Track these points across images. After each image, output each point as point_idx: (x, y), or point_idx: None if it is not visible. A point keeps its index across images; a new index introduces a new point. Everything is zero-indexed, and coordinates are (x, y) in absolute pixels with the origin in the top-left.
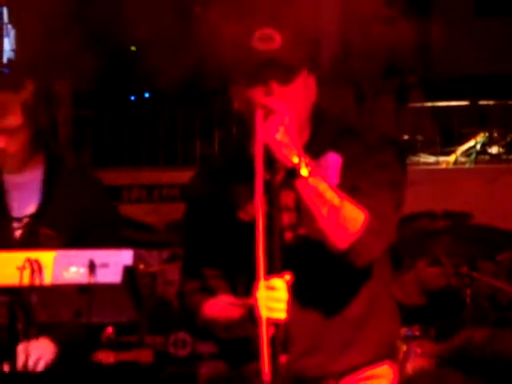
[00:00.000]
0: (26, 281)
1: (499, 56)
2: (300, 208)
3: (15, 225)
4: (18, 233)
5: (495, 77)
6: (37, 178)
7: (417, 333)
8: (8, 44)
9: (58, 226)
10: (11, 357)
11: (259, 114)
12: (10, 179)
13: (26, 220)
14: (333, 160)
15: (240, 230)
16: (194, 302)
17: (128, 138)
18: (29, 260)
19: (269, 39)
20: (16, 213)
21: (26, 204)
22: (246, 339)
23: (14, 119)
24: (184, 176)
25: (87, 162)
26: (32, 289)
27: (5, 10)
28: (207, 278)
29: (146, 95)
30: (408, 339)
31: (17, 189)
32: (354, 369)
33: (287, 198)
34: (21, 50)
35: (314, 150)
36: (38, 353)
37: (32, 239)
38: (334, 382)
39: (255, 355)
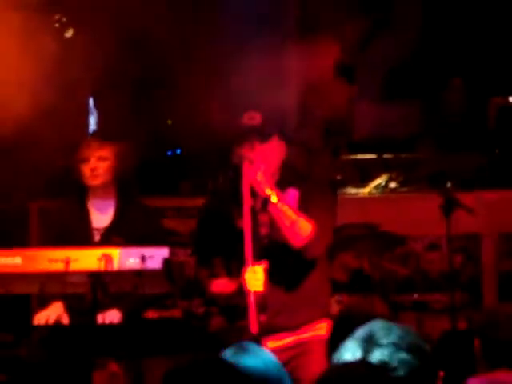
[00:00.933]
0: (102, 267)
1: (398, 124)
2: (271, 224)
3: (95, 232)
4: (96, 238)
5: (394, 139)
6: (111, 204)
7: (345, 299)
8: (92, 121)
9: (124, 235)
10: (92, 316)
11: (246, 164)
12: (94, 202)
13: (102, 230)
14: (292, 194)
15: (233, 237)
16: (206, 283)
17: (168, 178)
18: (104, 254)
19: (253, 118)
20: (95, 224)
21: (102, 219)
22: (238, 305)
23: (106, 152)
24: (200, 202)
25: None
26: (106, 272)
27: (90, 99)
28: (213, 266)
29: (178, 151)
30: (339, 303)
31: (98, 209)
32: (305, 323)
33: (264, 218)
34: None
35: (280, 187)
36: (110, 318)
37: (106, 243)
38: (292, 333)
39: (244, 315)
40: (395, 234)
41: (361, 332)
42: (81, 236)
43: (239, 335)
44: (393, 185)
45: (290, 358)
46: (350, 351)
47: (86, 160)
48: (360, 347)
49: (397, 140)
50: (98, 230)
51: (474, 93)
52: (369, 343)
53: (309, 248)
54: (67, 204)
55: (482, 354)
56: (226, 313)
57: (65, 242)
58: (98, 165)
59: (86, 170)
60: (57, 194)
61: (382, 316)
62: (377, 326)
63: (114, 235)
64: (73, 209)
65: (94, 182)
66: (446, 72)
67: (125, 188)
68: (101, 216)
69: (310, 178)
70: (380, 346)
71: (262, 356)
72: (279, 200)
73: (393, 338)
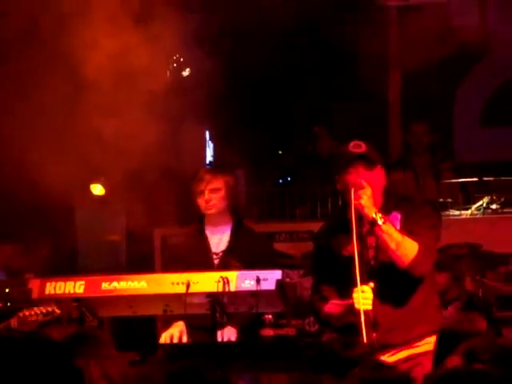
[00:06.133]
0: (220, 289)
1: (498, 149)
2: (378, 246)
3: (214, 256)
4: (216, 261)
5: (493, 163)
6: (227, 229)
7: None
8: (209, 153)
9: (240, 258)
10: (212, 333)
11: (352, 189)
12: (210, 229)
13: (220, 254)
14: (395, 216)
15: (343, 261)
16: (318, 306)
17: (279, 204)
18: (222, 277)
19: (358, 146)
20: (214, 249)
21: (220, 244)
22: (349, 324)
23: (218, 184)
24: (311, 226)
25: (256, 216)
26: (224, 293)
27: (207, 132)
28: (323, 291)
29: (288, 178)
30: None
31: (215, 235)
32: (417, 339)
33: (371, 241)
34: (216, 157)
35: (384, 211)
36: (228, 335)
37: (225, 266)
38: (406, 347)
39: (355, 332)
40: (497, 253)
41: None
42: (202, 260)
43: (352, 348)
44: (494, 206)
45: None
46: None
47: (201, 193)
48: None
49: (497, 163)
50: (216, 254)
51: None
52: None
53: (416, 266)
54: (188, 231)
55: None
56: (338, 331)
57: (187, 266)
58: (211, 196)
59: (201, 201)
60: (179, 222)
61: (483, 332)
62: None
63: (231, 258)
64: (193, 235)
65: (210, 212)
66: None
67: (238, 214)
68: (218, 241)
69: (413, 200)
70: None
71: None
72: (384, 222)
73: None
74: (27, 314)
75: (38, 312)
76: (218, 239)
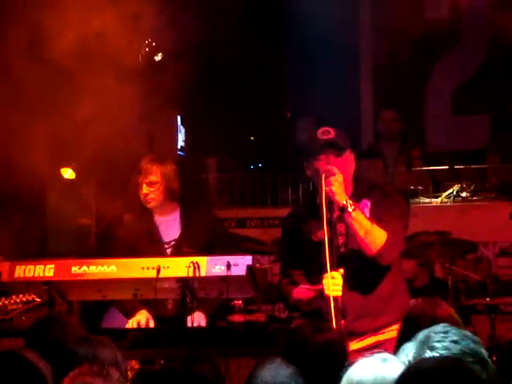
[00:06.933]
0: (191, 274)
1: (469, 137)
2: (348, 233)
3: (166, 246)
4: (168, 251)
5: (464, 151)
6: (176, 218)
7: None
8: (180, 138)
9: (193, 245)
10: (182, 319)
11: (322, 176)
12: (160, 219)
13: (172, 243)
14: (365, 204)
15: (312, 246)
16: (287, 290)
17: (251, 190)
18: (192, 262)
19: (327, 133)
20: (165, 238)
21: (171, 233)
22: (318, 309)
23: (154, 178)
24: (282, 212)
25: (227, 202)
26: (194, 278)
27: (178, 117)
28: (293, 275)
29: (260, 165)
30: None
31: (164, 224)
32: (385, 326)
33: (341, 228)
34: (188, 142)
35: (355, 198)
36: (197, 321)
37: (178, 254)
38: (373, 334)
39: (324, 318)
40: (467, 241)
41: (421, 334)
42: (154, 250)
43: (322, 333)
44: (464, 194)
45: None
46: (405, 352)
47: (139, 186)
48: (414, 349)
49: (467, 151)
50: (168, 243)
51: None
52: (423, 346)
53: (383, 255)
54: (136, 219)
55: None
56: (307, 317)
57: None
58: (149, 190)
59: (140, 195)
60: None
61: (448, 318)
62: (436, 330)
63: (184, 247)
64: (142, 224)
65: (149, 205)
66: None
67: (186, 202)
68: (168, 230)
69: (383, 188)
70: (432, 348)
71: None
72: (354, 209)
73: (447, 343)
74: (7, 302)
75: (18, 300)
76: (168, 228)
